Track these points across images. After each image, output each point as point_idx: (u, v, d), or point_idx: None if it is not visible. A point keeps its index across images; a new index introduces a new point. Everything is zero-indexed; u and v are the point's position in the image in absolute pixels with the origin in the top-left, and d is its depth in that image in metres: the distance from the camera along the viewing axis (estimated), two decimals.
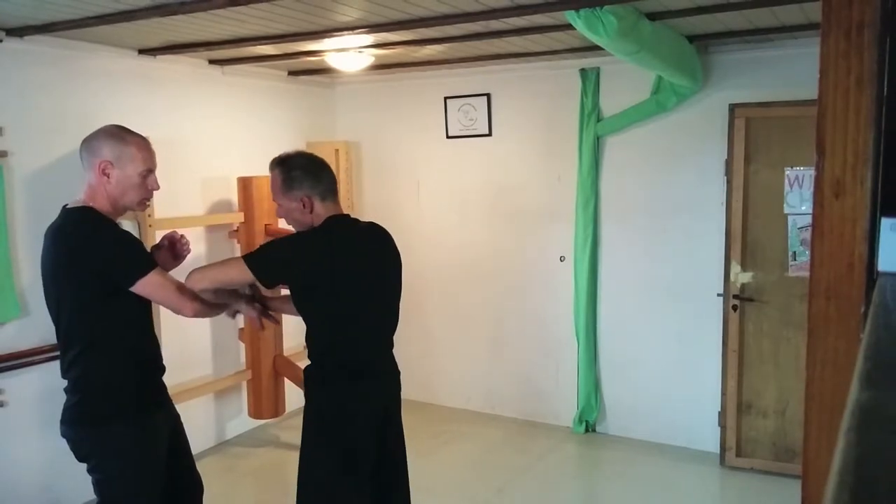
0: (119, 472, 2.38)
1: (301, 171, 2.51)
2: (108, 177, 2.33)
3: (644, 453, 4.70)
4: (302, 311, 2.54)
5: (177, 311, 2.38)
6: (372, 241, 2.63)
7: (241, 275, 2.41)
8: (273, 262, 2.45)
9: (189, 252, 2.73)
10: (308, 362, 2.59)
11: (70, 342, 2.37)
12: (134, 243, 2.39)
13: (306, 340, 2.57)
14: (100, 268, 2.28)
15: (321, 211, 2.51)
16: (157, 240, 4.05)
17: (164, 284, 2.34)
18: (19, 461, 3.71)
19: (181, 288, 2.37)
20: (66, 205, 2.39)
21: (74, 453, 2.40)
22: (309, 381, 2.56)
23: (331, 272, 2.45)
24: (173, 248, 2.68)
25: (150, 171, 2.41)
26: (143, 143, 2.40)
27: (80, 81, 3.95)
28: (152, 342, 2.50)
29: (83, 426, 2.37)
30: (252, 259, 2.42)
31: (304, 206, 2.49)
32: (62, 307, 2.35)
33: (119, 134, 2.38)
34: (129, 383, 2.39)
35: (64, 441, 2.42)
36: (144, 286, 2.29)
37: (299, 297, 2.53)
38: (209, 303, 2.45)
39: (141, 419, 2.40)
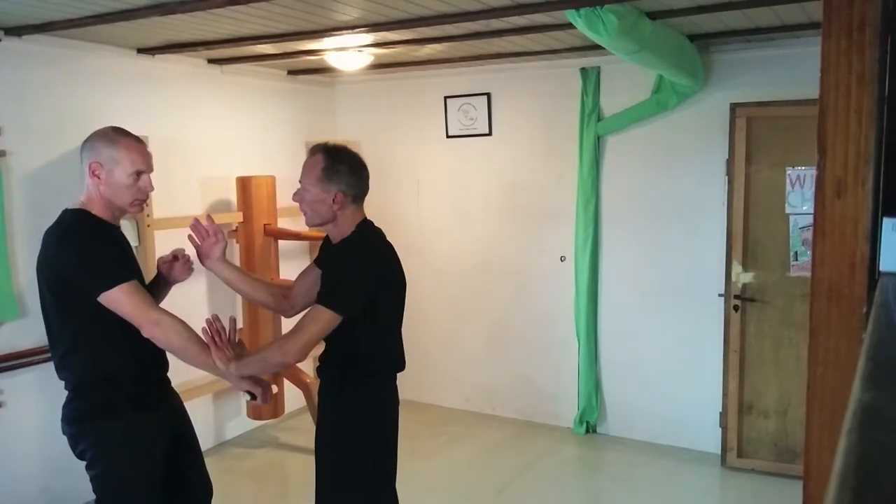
0: (113, 468, 2.38)
1: (347, 167, 2.46)
2: (99, 178, 2.32)
3: (645, 454, 4.69)
4: (352, 323, 2.44)
5: (139, 328, 2.29)
6: (390, 245, 2.65)
7: (333, 321, 2.36)
8: (354, 296, 2.41)
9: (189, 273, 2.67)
10: (321, 366, 2.62)
11: (57, 342, 2.38)
12: (104, 255, 2.30)
13: (339, 346, 2.52)
14: (66, 275, 2.27)
15: (349, 213, 2.48)
16: (156, 240, 4.11)
17: (125, 302, 2.25)
18: (19, 461, 3.71)
19: (145, 307, 2.28)
20: (67, 207, 2.39)
21: (72, 450, 2.42)
22: (345, 384, 2.55)
23: (387, 286, 2.52)
24: (183, 263, 2.65)
25: (142, 172, 2.37)
26: (133, 145, 2.37)
27: (79, 81, 3.94)
28: (146, 339, 2.42)
29: (77, 423, 2.38)
30: (335, 303, 2.35)
31: (334, 201, 2.43)
32: (48, 307, 2.36)
33: (110, 135, 2.36)
34: (120, 380, 2.38)
35: (64, 441, 2.43)
36: (106, 300, 2.25)
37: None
38: (172, 336, 2.30)
39: (136, 416, 2.39)
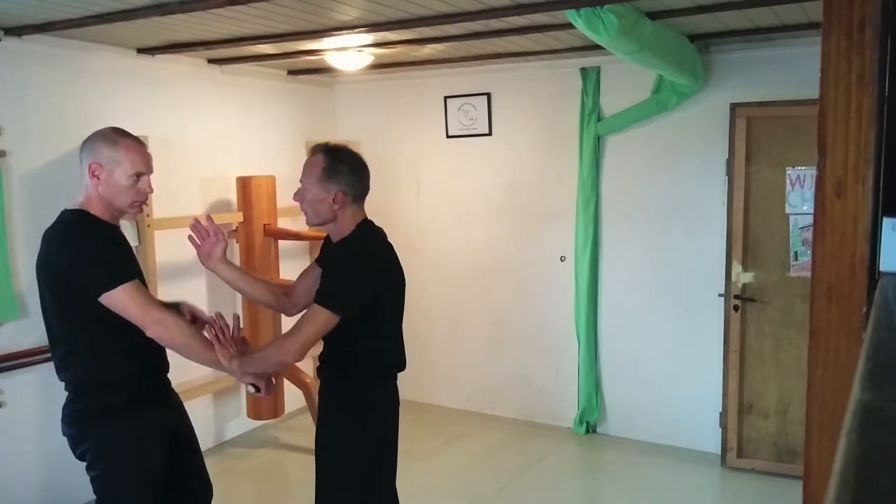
0: (114, 469, 2.37)
1: (347, 167, 2.47)
2: (99, 179, 2.31)
3: (645, 454, 4.69)
4: (352, 322, 2.45)
5: (142, 328, 2.29)
6: (390, 245, 2.65)
7: (331, 321, 2.37)
8: (352, 298, 2.41)
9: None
10: (321, 365, 2.63)
11: (57, 343, 2.37)
12: (105, 255, 2.30)
13: (339, 346, 2.52)
14: (66, 275, 2.27)
15: (349, 212, 2.49)
16: (156, 240, 4.10)
17: (127, 302, 2.25)
18: (19, 461, 3.70)
19: (147, 307, 2.28)
20: (66, 207, 2.39)
21: (72, 451, 2.41)
22: (345, 384, 2.56)
23: (386, 285, 2.52)
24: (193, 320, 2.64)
25: (142, 174, 2.36)
26: (134, 146, 2.36)
27: (79, 81, 3.94)
28: (147, 340, 2.41)
29: (77, 424, 2.37)
30: (334, 304, 2.36)
31: (334, 201, 2.44)
32: (48, 308, 2.35)
33: (111, 136, 2.35)
34: (121, 381, 2.38)
35: (63, 441, 2.43)
36: (108, 300, 2.24)
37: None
38: (176, 334, 2.31)
39: (136, 416, 2.38)
